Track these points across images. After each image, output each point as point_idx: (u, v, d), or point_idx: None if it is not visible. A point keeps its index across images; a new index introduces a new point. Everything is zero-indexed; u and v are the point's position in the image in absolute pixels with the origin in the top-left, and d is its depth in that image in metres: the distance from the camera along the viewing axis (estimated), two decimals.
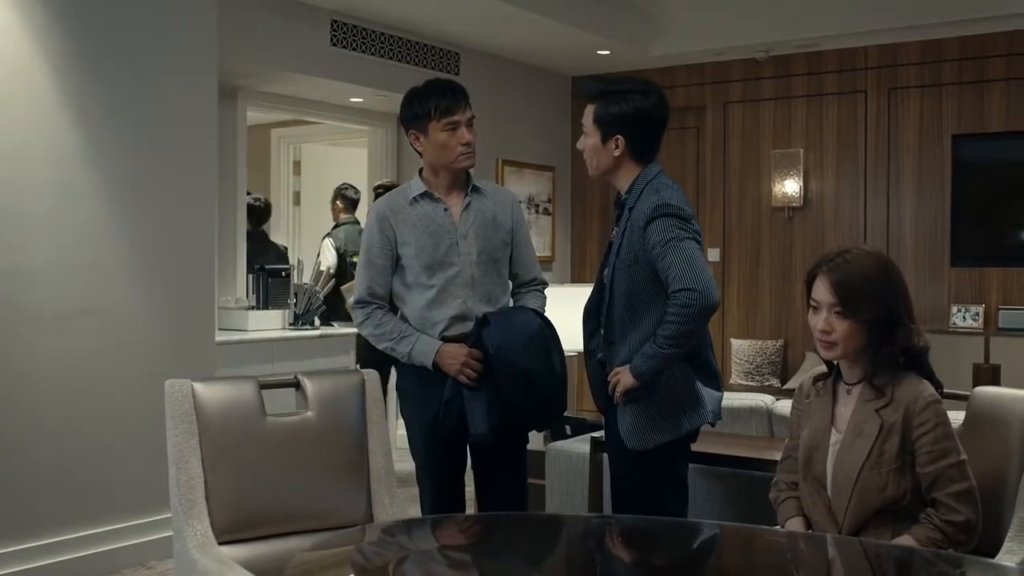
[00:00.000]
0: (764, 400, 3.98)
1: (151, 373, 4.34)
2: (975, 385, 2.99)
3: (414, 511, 3.57)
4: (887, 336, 2.46)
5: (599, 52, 7.29)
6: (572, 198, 8.33)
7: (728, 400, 3.41)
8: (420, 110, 3.15)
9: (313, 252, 6.77)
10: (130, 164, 4.51)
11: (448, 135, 3.13)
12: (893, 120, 7.12)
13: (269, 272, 5.73)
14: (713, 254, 7.57)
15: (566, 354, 3.22)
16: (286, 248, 7.06)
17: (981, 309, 6.73)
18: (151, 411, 3.69)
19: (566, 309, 3.57)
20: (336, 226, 6.71)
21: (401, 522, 2.74)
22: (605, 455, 3.29)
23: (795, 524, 2.59)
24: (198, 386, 2.79)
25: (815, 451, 2.55)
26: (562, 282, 7.58)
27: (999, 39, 6.71)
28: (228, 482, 2.73)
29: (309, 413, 2.90)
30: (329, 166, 8.08)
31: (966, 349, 6.39)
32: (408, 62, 6.57)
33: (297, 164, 8.32)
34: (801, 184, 7.38)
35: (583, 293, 3.15)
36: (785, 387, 7.06)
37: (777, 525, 2.67)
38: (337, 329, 5.95)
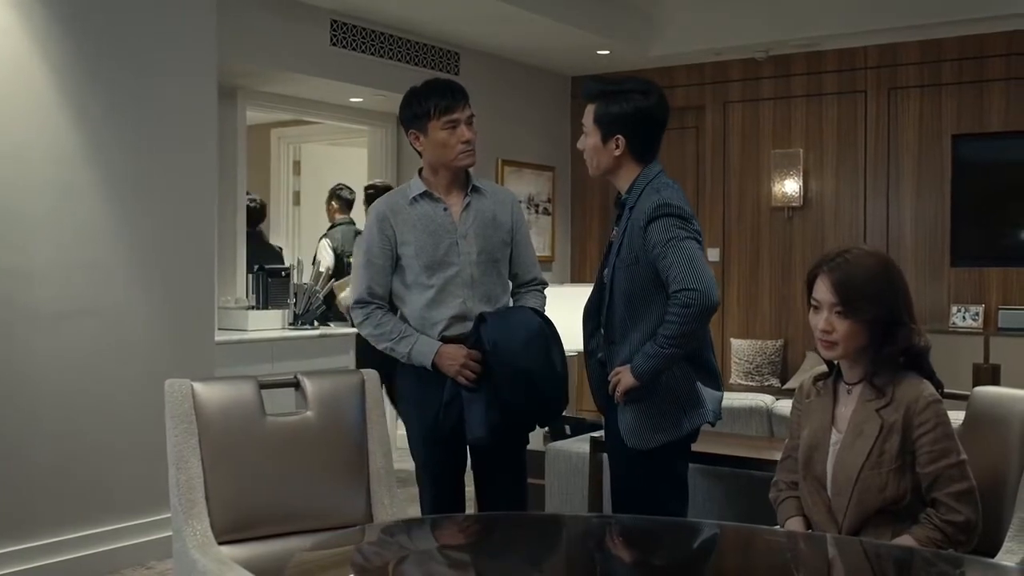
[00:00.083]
0: (764, 400, 3.98)
1: (151, 373, 4.34)
2: (975, 385, 2.98)
3: (414, 511, 3.56)
4: (888, 336, 2.46)
5: (599, 52, 7.29)
6: (572, 198, 8.32)
7: (728, 400, 3.40)
8: (420, 109, 3.15)
9: (313, 252, 6.77)
10: (130, 164, 4.51)
11: (448, 133, 3.13)
12: (893, 120, 7.11)
13: (269, 272, 5.72)
14: (713, 254, 7.56)
15: (566, 354, 3.22)
16: (281, 249, 7.05)
17: (981, 309, 6.73)
18: (151, 411, 3.69)
19: (566, 309, 3.57)
20: (332, 227, 6.71)
21: (401, 522, 2.73)
22: (605, 455, 3.29)
23: (795, 524, 2.59)
24: (198, 386, 2.78)
25: (815, 451, 2.55)
26: (562, 282, 7.58)
27: (999, 39, 6.71)
28: (228, 482, 2.73)
29: (309, 413, 2.90)
30: (329, 166, 8.07)
31: (966, 349, 6.39)
32: (408, 62, 6.56)
33: (297, 164, 8.31)
34: (801, 184, 7.38)
35: (583, 293, 3.15)
36: (785, 387, 7.05)
37: (777, 525, 2.67)
38: (335, 329, 5.95)
